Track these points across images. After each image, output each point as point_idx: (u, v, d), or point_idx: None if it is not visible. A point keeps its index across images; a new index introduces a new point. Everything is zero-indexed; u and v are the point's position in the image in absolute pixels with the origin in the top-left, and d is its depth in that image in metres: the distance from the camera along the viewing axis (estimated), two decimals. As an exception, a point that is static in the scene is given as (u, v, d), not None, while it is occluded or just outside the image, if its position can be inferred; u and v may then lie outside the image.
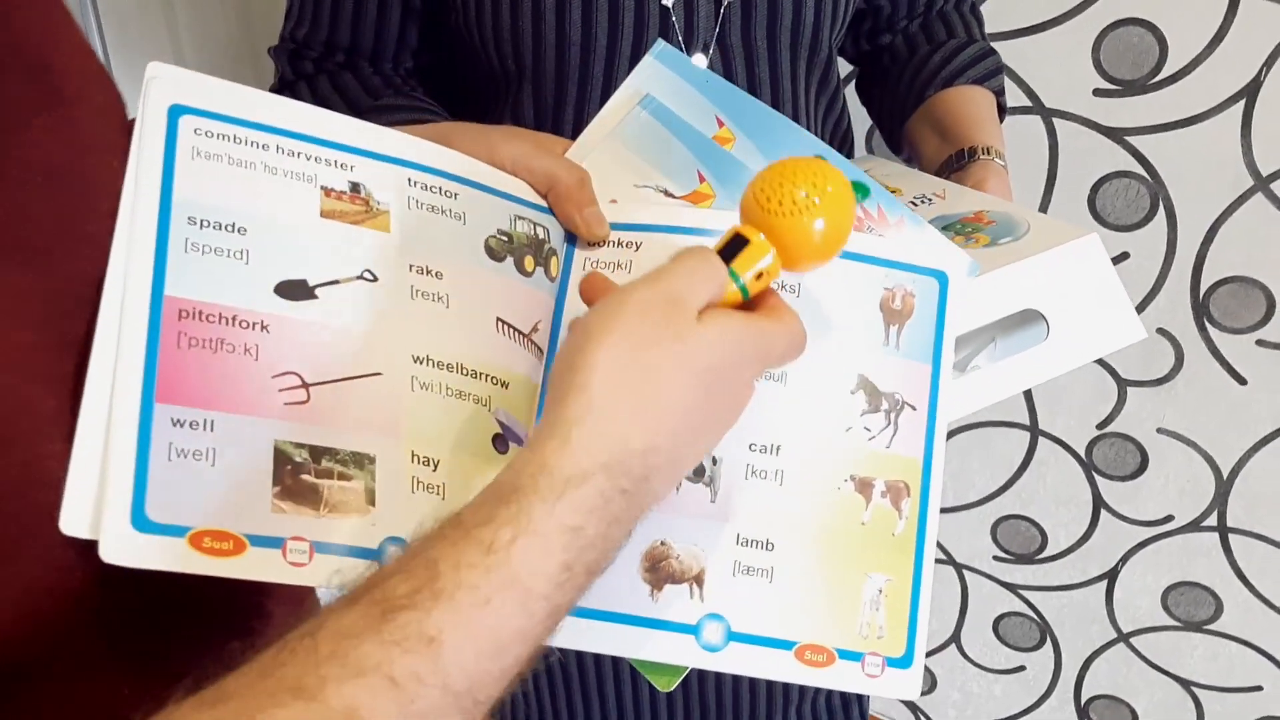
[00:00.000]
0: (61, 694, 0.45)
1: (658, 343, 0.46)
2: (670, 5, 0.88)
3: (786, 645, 0.58)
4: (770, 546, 0.58)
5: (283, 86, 0.97)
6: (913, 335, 0.62)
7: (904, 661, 0.59)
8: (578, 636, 0.57)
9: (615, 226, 0.63)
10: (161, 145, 0.51)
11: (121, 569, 0.46)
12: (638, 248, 0.63)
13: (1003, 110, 1.03)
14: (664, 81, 0.66)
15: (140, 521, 0.46)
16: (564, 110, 0.91)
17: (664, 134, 0.65)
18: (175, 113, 0.52)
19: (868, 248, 0.62)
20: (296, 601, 0.58)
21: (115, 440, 0.47)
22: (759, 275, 0.51)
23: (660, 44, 0.67)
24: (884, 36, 1.08)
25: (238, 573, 0.48)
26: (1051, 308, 0.67)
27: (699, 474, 0.59)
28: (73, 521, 0.45)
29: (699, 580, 0.58)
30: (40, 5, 0.45)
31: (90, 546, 0.45)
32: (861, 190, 0.51)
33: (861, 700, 1.23)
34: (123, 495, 0.46)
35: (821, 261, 0.52)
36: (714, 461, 0.59)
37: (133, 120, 0.52)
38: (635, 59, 0.89)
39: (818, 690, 1.15)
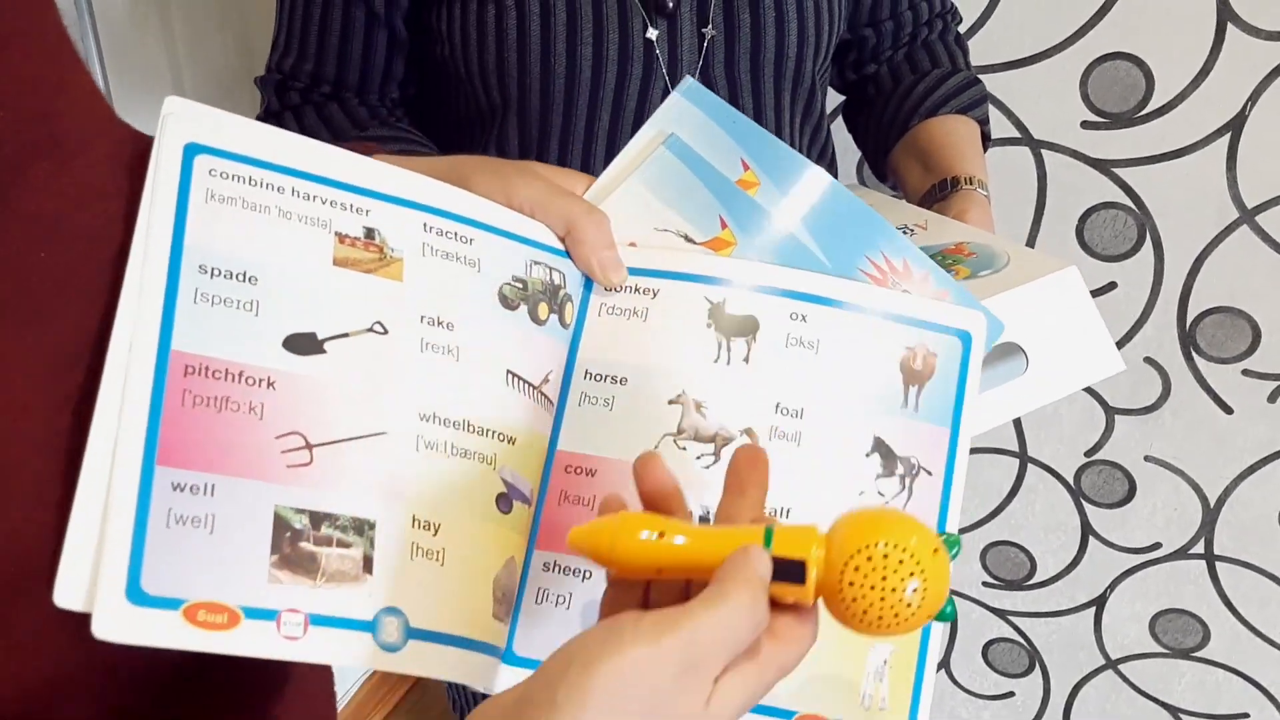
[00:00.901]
0: None
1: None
2: (654, 38, 0.89)
3: (787, 715, 0.57)
4: None
5: (268, 116, 0.97)
6: (932, 397, 0.60)
7: None
8: None
9: (633, 272, 0.62)
10: (175, 188, 0.49)
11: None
12: (655, 295, 0.61)
13: (987, 139, 1.03)
14: (690, 121, 0.65)
15: (135, 594, 0.44)
16: (549, 141, 0.92)
17: (687, 175, 0.63)
18: (191, 152, 0.50)
19: (891, 305, 0.61)
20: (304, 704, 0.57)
21: (114, 506, 0.45)
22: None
23: (688, 81, 0.65)
24: (869, 66, 1.09)
25: (231, 649, 0.46)
26: (1030, 341, 0.66)
27: None
28: (67, 594, 0.43)
29: None
30: (45, 49, 0.44)
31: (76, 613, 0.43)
32: (953, 544, 0.45)
33: None
34: (118, 567, 0.44)
35: None
36: None
37: (140, 152, 0.50)
38: (619, 90, 0.90)
39: None
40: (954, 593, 1.62)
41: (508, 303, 0.58)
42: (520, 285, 0.59)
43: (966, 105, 1.02)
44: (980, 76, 1.06)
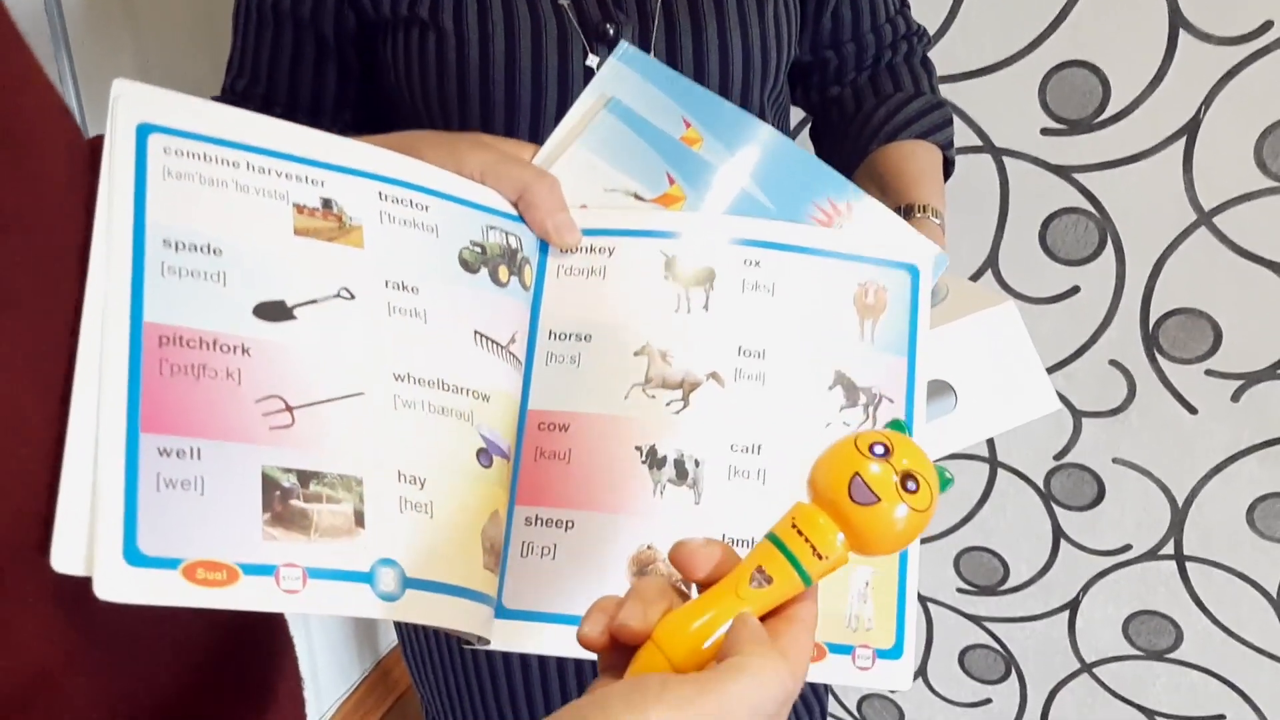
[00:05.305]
0: None
1: None
2: (594, 65, 0.89)
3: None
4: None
5: None
6: (887, 329, 0.62)
7: (894, 652, 0.60)
8: (563, 643, 0.58)
9: (587, 232, 0.64)
10: (132, 166, 0.50)
11: (108, 620, 0.45)
12: (611, 253, 0.63)
13: (950, 164, 1.02)
14: (629, 84, 0.67)
15: (133, 555, 0.45)
16: None
17: (631, 137, 0.66)
18: (144, 131, 0.51)
19: (839, 244, 0.63)
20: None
21: (103, 473, 0.46)
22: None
23: (624, 45, 0.67)
24: (832, 89, 1.07)
25: (233, 603, 0.47)
26: (961, 377, 0.67)
27: (682, 477, 0.60)
28: (65, 559, 0.43)
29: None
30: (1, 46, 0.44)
31: (75, 604, 0.44)
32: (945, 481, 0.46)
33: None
34: (114, 530, 0.45)
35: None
36: (696, 464, 0.60)
37: (92, 145, 0.50)
38: (560, 118, 0.91)
39: None
40: (929, 599, 1.64)
41: (468, 266, 0.60)
42: (479, 249, 0.61)
43: (927, 130, 1.01)
44: (943, 87, 1.07)
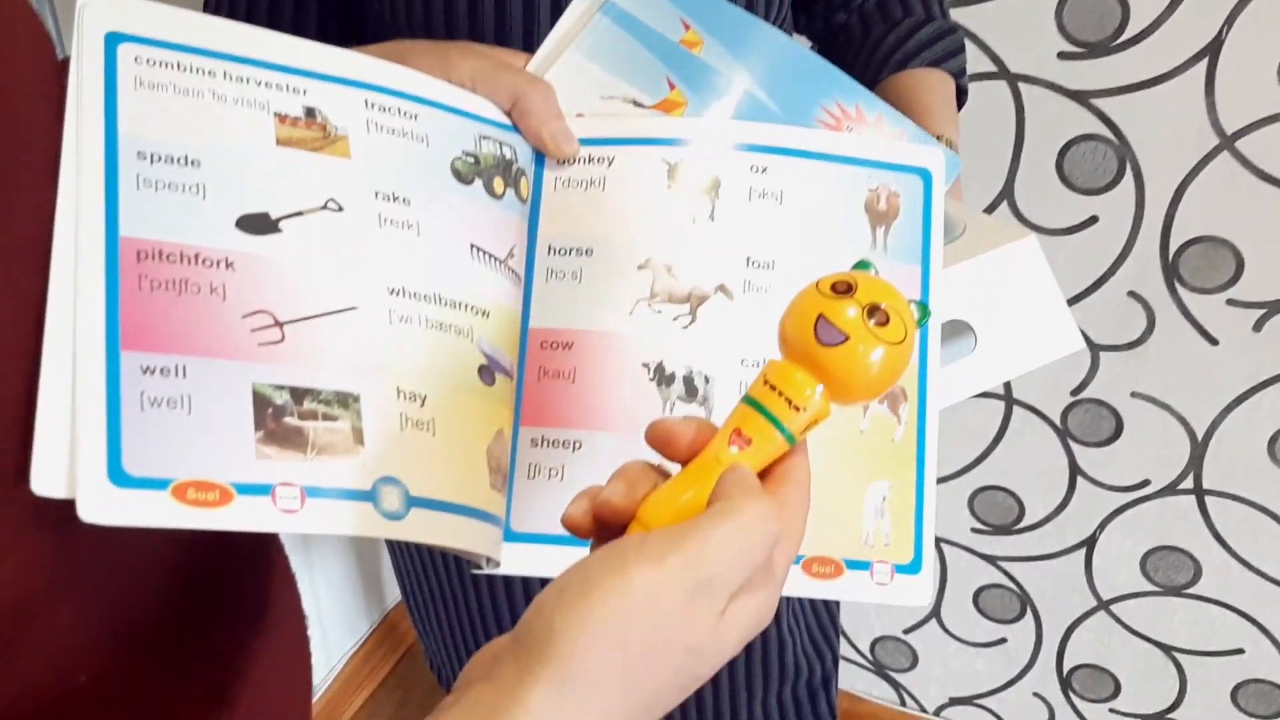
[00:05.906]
0: (29, 654, 0.43)
1: (666, 647, 0.37)
2: None
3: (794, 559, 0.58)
4: None
5: None
6: (900, 236, 0.60)
7: (913, 568, 0.58)
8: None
9: (585, 142, 0.61)
10: (101, 77, 0.48)
11: (98, 549, 0.43)
12: (610, 163, 0.61)
13: (963, 92, 0.99)
14: None
15: (118, 476, 0.44)
16: None
17: (628, 41, 0.63)
18: (113, 41, 0.49)
19: (848, 148, 0.61)
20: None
21: (82, 392, 0.44)
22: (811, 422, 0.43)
23: None
24: (839, 15, 1.04)
25: (227, 524, 0.46)
26: (980, 317, 0.64)
27: (692, 394, 0.58)
28: (45, 481, 0.42)
29: None
30: None
31: (56, 531, 0.42)
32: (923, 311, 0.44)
33: (829, 689, 1.21)
34: (97, 450, 0.44)
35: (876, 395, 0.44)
36: (706, 380, 0.58)
37: (66, 60, 0.49)
38: None
39: (783, 681, 1.14)
40: (943, 540, 1.62)
41: (461, 177, 0.58)
42: (472, 160, 0.59)
43: (940, 57, 0.97)
44: (955, 11, 1.03)
